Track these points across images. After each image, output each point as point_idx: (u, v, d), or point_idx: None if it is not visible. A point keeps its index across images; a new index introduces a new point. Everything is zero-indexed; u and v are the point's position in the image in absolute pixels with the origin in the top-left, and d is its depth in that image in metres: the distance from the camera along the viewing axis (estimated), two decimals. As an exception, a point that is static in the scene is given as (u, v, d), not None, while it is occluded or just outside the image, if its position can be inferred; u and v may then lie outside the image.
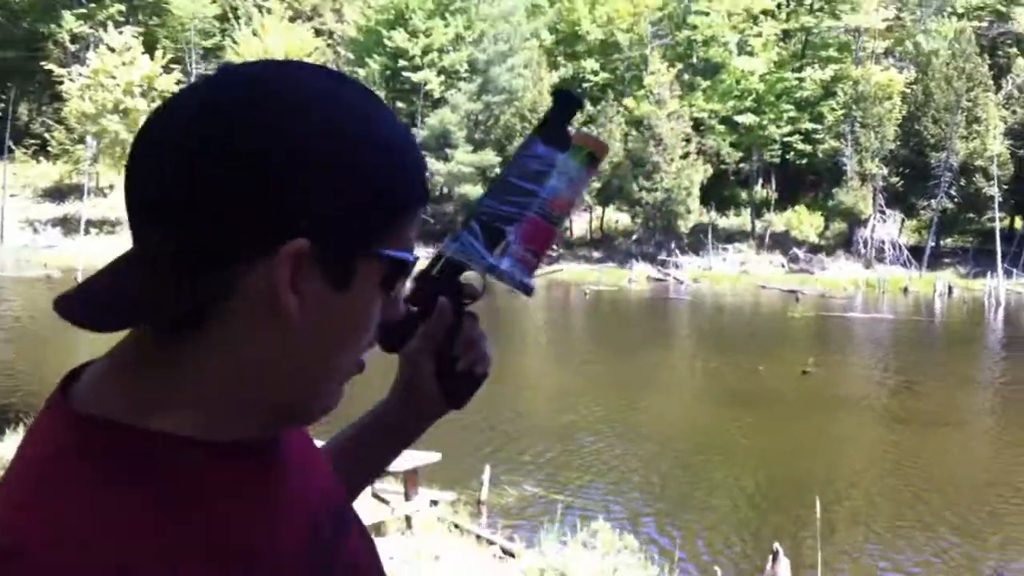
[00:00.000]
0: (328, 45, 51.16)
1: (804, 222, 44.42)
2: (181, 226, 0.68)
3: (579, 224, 46.56)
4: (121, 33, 45.52)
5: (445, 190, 45.75)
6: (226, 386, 0.73)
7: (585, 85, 50.97)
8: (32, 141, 50.83)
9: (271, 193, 0.68)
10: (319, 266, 0.71)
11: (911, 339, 25.71)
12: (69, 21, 49.69)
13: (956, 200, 40.70)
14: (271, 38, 46.45)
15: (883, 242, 41.48)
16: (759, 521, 10.44)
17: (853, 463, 13.31)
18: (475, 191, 43.68)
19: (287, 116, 0.69)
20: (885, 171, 42.07)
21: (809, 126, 45.84)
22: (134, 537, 0.64)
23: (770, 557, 8.69)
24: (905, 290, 37.46)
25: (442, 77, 47.64)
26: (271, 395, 0.75)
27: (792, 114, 45.76)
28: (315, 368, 0.76)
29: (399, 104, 50.85)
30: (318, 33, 54.36)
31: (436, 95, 47.24)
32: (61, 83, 45.95)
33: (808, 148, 45.69)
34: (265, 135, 0.68)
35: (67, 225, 45.60)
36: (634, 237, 43.74)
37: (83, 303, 0.70)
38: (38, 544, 0.62)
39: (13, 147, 49.53)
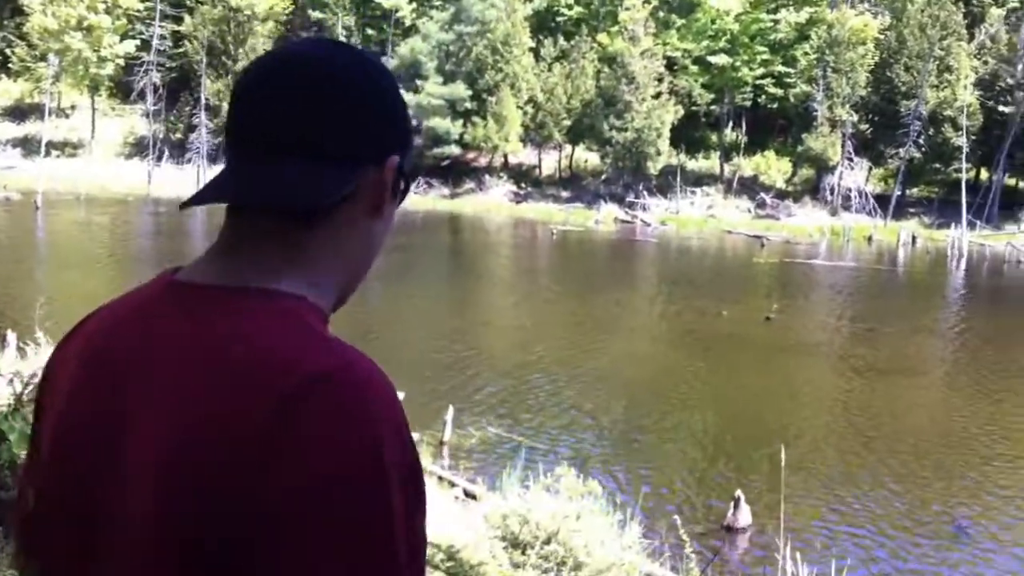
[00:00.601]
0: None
1: (772, 167, 44.50)
2: (335, 143, 0.96)
3: (548, 162, 46.31)
4: (86, -54, 44.17)
5: (414, 122, 45.23)
6: (332, 267, 0.99)
7: (559, 20, 50.36)
8: (-8, 57, 49.52)
9: (389, 120, 1.00)
10: (393, 178, 1.00)
11: (873, 288, 26.00)
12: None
13: (924, 150, 40.90)
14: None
15: (850, 190, 41.66)
16: (720, 467, 10.61)
17: (811, 410, 13.53)
18: (444, 124, 43.22)
19: (383, 70, 1.02)
20: (855, 118, 42.12)
21: (781, 69, 45.63)
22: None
23: (731, 503, 8.85)
24: (869, 239, 37.77)
25: (414, 4, 46.84)
26: (354, 278, 1.03)
27: (765, 56, 45.52)
28: (367, 265, 1.04)
29: (369, 31, 49.97)
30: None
31: (407, 23, 46.47)
32: (23, -3, 44.64)
33: (779, 92, 45.56)
34: (382, 81, 1.00)
35: (27, 146, 44.67)
36: (603, 177, 43.59)
37: (241, 193, 0.96)
38: (338, 367, 0.87)
39: (-28, 62, 48.24)
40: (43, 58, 44.40)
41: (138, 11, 46.05)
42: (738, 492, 8.81)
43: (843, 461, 10.95)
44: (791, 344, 17.52)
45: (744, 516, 8.75)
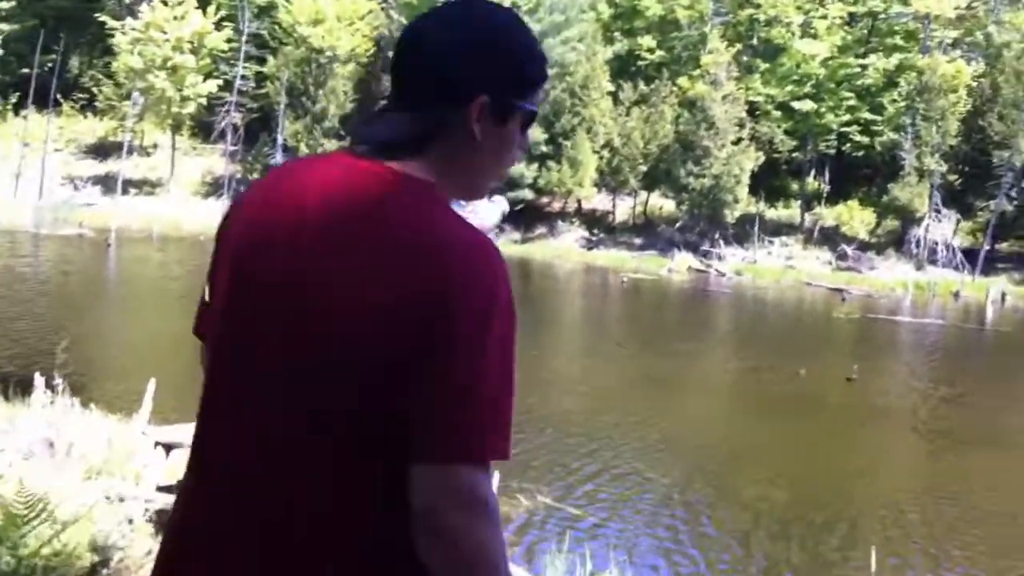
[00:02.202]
0: (382, 8, 50.19)
1: (855, 218, 42.86)
2: (437, 82, 1.35)
3: (622, 208, 45.46)
4: (175, -14, 45.01)
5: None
6: (450, 172, 1.37)
7: (640, 64, 49.74)
8: (81, 95, 50.51)
9: (479, 64, 1.36)
10: (490, 112, 1.36)
11: (961, 348, 24.60)
12: (124, -28, 49.22)
13: (1016, 202, 39.08)
14: (324, -1, 45.67)
15: (936, 243, 39.92)
16: (792, 549, 9.63)
17: (895, 482, 12.43)
18: (518, 168, 42.69)
19: (495, 18, 1.41)
20: (944, 168, 40.50)
21: (868, 116, 44.21)
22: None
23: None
24: (956, 295, 36.05)
25: (493, 48, 46.51)
26: (475, 178, 1.43)
27: (852, 103, 44.16)
28: (487, 172, 1.45)
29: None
30: (372, -4, 53.45)
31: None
32: (113, 36, 45.55)
33: (865, 140, 44.13)
34: (476, 32, 1.39)
35: (107, 183, 45.34)
36: (678, 225, 42.53)
37: (370, 132, 1.39)
38: (479, 239, 1.30)
39: (62, 100, 49.31)
40: (128, 96, 45.21)
41: (223, 51, 46.70)
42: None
43: (936, 545, 9.86)
44: (875, 409, 16.39)
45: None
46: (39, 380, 8.86)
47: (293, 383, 1.28)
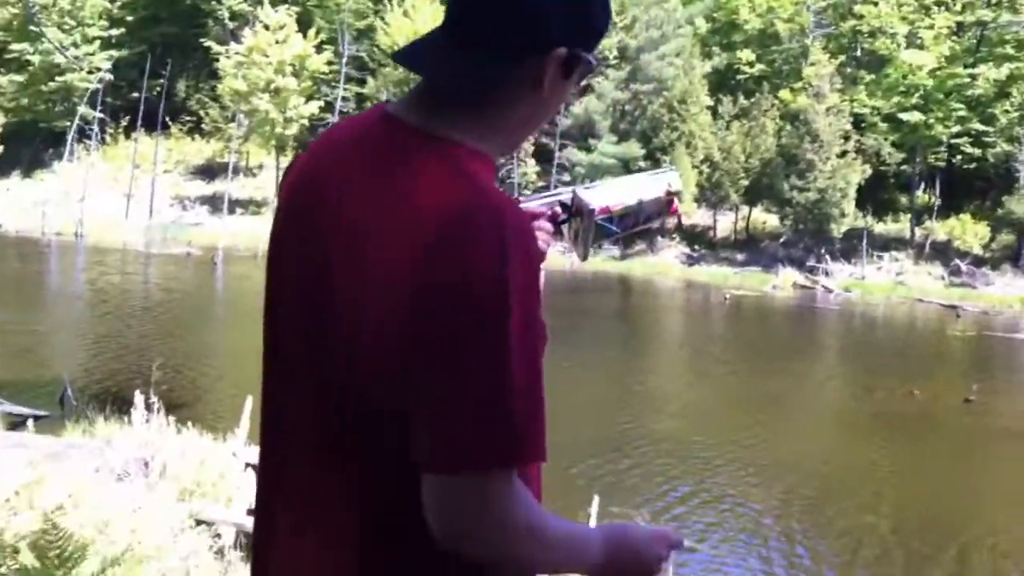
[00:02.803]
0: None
1: (968, 232, 41.15)
2: (515, 28, 1.19)
3: (723, 224, 44.62)
4: (277, 11, 46.02)
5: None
6: (499, 128, 1.24)
7: (739, 77, 48.90)
8: (188, 118, 52.06)
9: (545, 16, 1.19)
10: (561, 65, 1.22)
11: (1088, 367, 23.26)
12: (229, -2, 50.60)
13: None
14: (422, 19, 46.12)
15: (1056, 257, 38.06)
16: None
17: (1017, 513, 11.65)
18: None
19: None
20: (1064, 179, 38.68)
21: (979, 127, 42.51)
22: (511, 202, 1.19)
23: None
24: (1078, 312, 34.28)
25: (590, 64, 46.30)
26: (518, 137, 1.29)
27: (962, 114, 42.52)
28: (533, 128, 1.32)
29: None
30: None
31: (582, 82, 45.98)
32: (218, 60, 46.82)
33: (977, 151, 42.45)
34: None
35: (214, 203, 46.50)
36: (782, 240, 41.48)
37: (429, 66, 1.24)
38: (505, 202, 1.15)
39: (170, 123, 50.88)
40: (233, 119, 46.32)
41: (324, 74, 47.54)
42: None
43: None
44: (996, 431, 15.52)
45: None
46: (139, 398, 8.87)
47: (314, 374, 1.20)
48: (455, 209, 1.10)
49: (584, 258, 1.73)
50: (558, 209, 1.66)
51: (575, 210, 1.65)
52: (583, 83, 1.41)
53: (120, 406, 9.44)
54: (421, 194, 1.13)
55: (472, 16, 1.21)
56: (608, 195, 1.72)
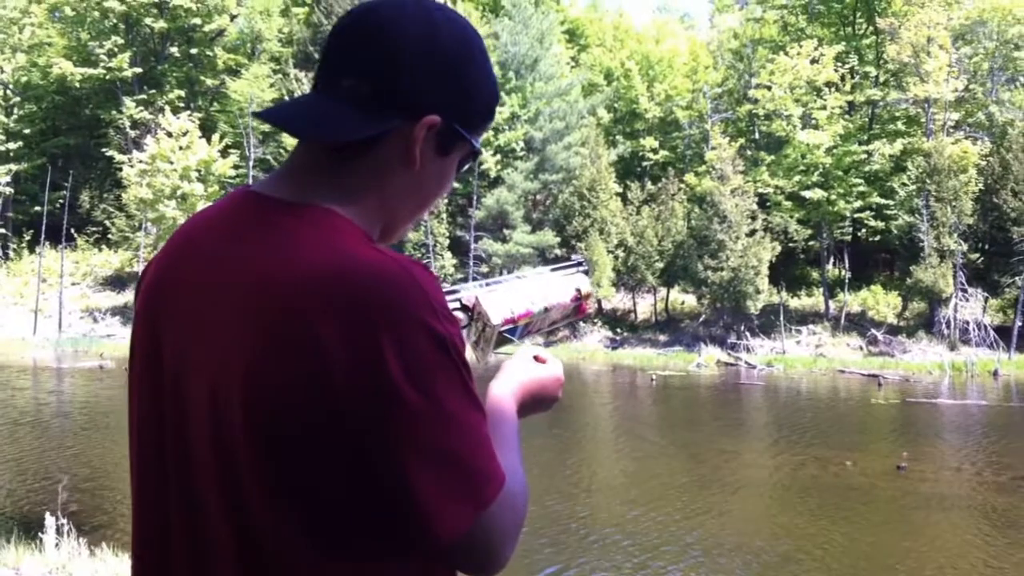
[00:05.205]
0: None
1: (881, 302, 42.19)
2: (367, 89, 1.09)
3: (643, 306, 44.95)
4: (179, 118, 45.58)
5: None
6: (369, 201, 1.13)
7: (644, 164, 49.89)
8: (94, 229, 50.92)
9: (433, 79, 1.09)
10: (436, 137, 1.13)
11: (1009, 429, 23.59)
12: (130, 107, 49.97)
13: (1041, 277, 38.40)
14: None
15: (967, 322, 39.08)
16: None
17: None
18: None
19: (458, 34, 1.14)
20: (964, 247, 39.95)
21: (880, 201, 43.95)
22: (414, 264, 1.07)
23: None
24: (995, 373, 35.04)
25: (498, 156, 46.93)
26: (393, 218, 1.16)
27: (862, 189, 43.96)
28: (411, 210, 1.18)
29: (455, 184, 50.12)
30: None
31: (492, 175, 46.45)
32: (121, 169, 46.02)
33: (880, 224, 43.76)
34: (442, 42, 1.11)
35: (125, 314, 45.21)
36: (701, 319, 41.93)
37: (287, 119, 1.13)
38: (412, 266, 1.04)
39: (75, 235, 49.61)
40: (140, 227, 45.39)
41: (231, 177, 47.09)
42: None
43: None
44: (931, 498, 15.46)
45: None
46: (49, 520, 8.28)
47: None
48: (318, 286, 1.01)
49: (484, 364, 1.61)
50: (460, 315, 1.50)
51: (475, 316, 1.52)
52: (468, 168, 1.27)
53: (28, 530, 8.74)
54: (291, 259, 1.03)
55: (343, 74, 1.11)
56: (513, 302, 1.57)
